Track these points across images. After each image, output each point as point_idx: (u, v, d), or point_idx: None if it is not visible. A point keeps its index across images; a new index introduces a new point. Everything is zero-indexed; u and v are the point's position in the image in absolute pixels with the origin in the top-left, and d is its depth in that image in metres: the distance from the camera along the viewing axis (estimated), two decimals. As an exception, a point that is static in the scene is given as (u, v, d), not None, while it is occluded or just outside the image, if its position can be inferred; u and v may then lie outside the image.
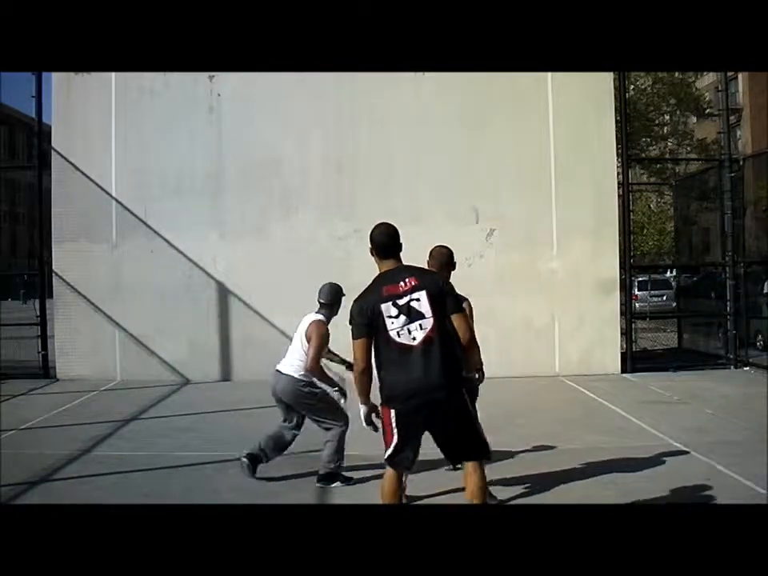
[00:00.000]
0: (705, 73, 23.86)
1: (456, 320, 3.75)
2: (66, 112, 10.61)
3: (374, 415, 3.89)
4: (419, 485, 4.97)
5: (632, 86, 20.69)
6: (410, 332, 3.65)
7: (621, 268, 10.92)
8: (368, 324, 3.69)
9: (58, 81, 10.60)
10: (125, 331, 10.56)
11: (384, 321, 3.67)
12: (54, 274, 10.65)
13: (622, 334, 10.96)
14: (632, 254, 11.35)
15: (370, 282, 3.86)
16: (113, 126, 10.61)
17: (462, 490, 4.03)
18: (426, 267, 4.53)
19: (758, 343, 12.41)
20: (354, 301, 3.81)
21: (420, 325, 3.65)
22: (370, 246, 3.91)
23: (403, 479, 4.02)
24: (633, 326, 11.31)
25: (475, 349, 3.90)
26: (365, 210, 10.55)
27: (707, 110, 23.87)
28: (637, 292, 14.57)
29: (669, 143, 25.24)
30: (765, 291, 12.53)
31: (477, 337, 3.92)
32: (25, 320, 11.13)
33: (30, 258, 11.69)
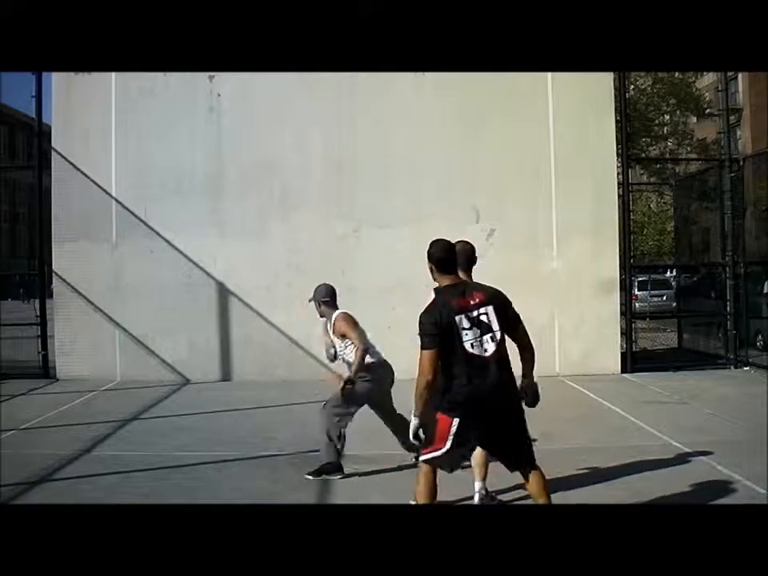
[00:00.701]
0: (705, 73, 23.83)
1: (520, 331, 4.03)
2: (66, 112, 10.62)
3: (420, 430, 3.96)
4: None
5: (632, 86, 20.67)
6: (481, 344, 3.86)
7: (621, 268, 10.93)
8: (440, 335, 3.81)
9: (57, 81, 10.60)
10: (125, 331, 10.57)
11: (459, 332, 3.83)
12: (54, 274, 10.66)
13: (622, 334, 10.96)
14: (632, 254, 11.34)
15: (433, 296, 3.98)
16: (113, 126, 10.62)
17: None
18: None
19: (758, 343, 12.41)
20: (424, 312, 3.91)
21: (491, 338, 3.87)
22: (428, 262, 4.05)
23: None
24: (633, 325, 11.30)
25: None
26: (365, 210, 10.58)
27: (707, 110, 23.84)
28: (637, 292, 14.57)
29: (669, 143, 25.21)
30: (765, 291, 12.53)
31: None
32: (25, 320, 11.14)
33: (30, 258, 11.69)
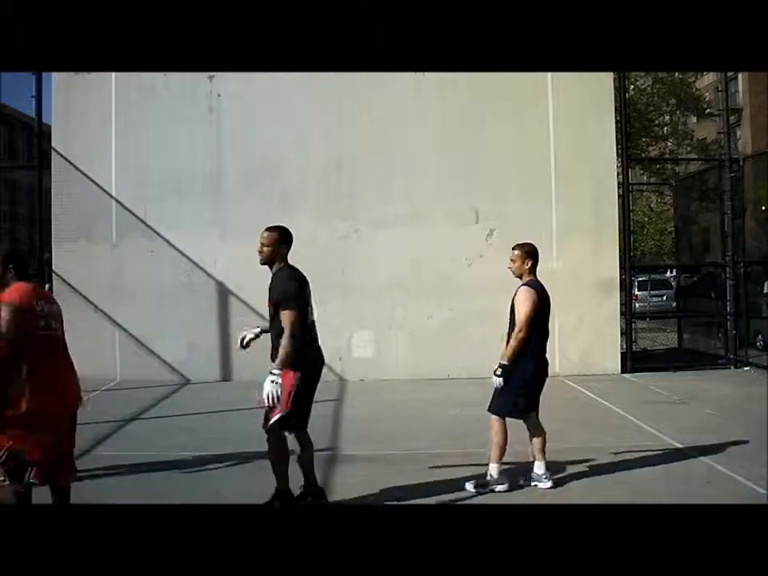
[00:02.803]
0: (705, 73, 23.82)
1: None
2: (66, 112, 10.61)
3: None
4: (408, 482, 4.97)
5: (632, 86, 20.69)
6: None
7: (621, 268, 10.92)
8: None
9: (57, 81, 10.59)
10: (125, 331, 10.56)
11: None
12: (54, 274, 10.65)
13: (622, 334, 10.96)
14: (632, 254, 11.35)
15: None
16: (113, 126, 10.61)
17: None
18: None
19: (758, 343, 12.41)
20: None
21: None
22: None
23: None
24: (633, 325, 11.31)
25: None
26: (365, 209, 10.57)
27: (707, 110, 23.85)
28: (637, 292, 14.58)
29: (669, 143, 25.23)
30: (765, 291, 12.53)
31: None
32: (25, 320, 11.12)
33: (30, 257, 11.68)
